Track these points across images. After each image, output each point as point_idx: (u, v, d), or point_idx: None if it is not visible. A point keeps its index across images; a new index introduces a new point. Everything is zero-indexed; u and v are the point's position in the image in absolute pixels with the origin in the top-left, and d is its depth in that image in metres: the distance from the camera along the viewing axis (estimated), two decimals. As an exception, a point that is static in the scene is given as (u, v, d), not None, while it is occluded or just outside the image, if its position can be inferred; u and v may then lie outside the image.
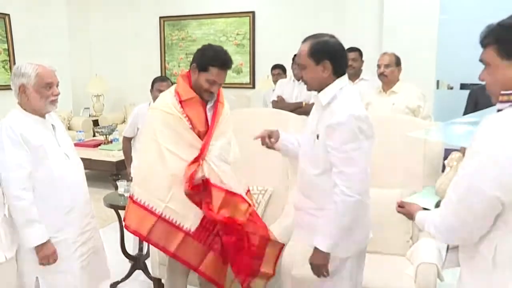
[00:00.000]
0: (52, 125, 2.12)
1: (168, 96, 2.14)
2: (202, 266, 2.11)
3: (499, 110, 1.20)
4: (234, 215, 2.09)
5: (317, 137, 1.80)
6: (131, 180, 3.17)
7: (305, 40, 1.82)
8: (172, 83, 3.32)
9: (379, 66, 3.53)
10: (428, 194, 1.78)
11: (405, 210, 1.57)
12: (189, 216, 2.07)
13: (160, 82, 3.27)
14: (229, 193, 2.11)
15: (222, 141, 2.16)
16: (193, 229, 2.06)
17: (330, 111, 1.77)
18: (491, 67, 1.23)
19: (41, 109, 2.05)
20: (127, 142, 3.46)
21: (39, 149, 2.00)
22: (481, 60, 1.27)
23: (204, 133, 2.11)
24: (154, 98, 3.26)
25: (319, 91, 1.83)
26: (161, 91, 3.20)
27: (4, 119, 2.00)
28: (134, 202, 2.10)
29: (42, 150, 2.01)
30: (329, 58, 1.76)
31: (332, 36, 1.81)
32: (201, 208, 2.07)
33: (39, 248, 2.00)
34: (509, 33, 1.19)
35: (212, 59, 2.06)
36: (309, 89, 1.88)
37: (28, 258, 2.04)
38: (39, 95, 2.00)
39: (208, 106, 2.17)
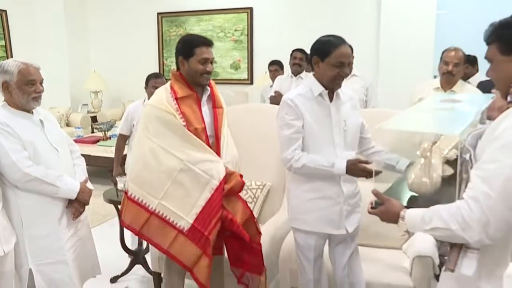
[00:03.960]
0: (40, 120, 2.15)
1: (163, 93, 2.14)
2: (196, 268, 2.07)
3: (510, 102, 1.24)
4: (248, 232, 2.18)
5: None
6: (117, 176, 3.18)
7: None
8: (167, 80, 3.33)
9: (446, 63, 2.99)
10: (399, 190, 1.56)
11: (384, 208, 1.39)
12: (183, 215, 2.06)
13: (154, 79, 3.26)
14: (252, 216, 2.22)
15: (228, 146, 2.22)
16: (186, 228, 2.05)
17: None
18: (494, 63, 1.28)
19: (24, 106, 2.08)
20: (122, 140, 3.44)
21: (27, 143, 2.04)
22: (486, 58, 1.32)
23: (202, 131, 2.11)
24: (149, 94, 3.25)
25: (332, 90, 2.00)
26: (156, 87, 3.17)
27: None
28: (129, 198, 2.13)
29: (31, 144, 2.04)
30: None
31: None
32: (222, 214, 2.09)
33: (79, 194, 2.15)
34: (510, 30, 1.24)
35: (193, 42, 2.12)
36: None
37: (23, 251, 2.07)
38: (21, 92, 2.04)
39: (202, 101, 2.18)
